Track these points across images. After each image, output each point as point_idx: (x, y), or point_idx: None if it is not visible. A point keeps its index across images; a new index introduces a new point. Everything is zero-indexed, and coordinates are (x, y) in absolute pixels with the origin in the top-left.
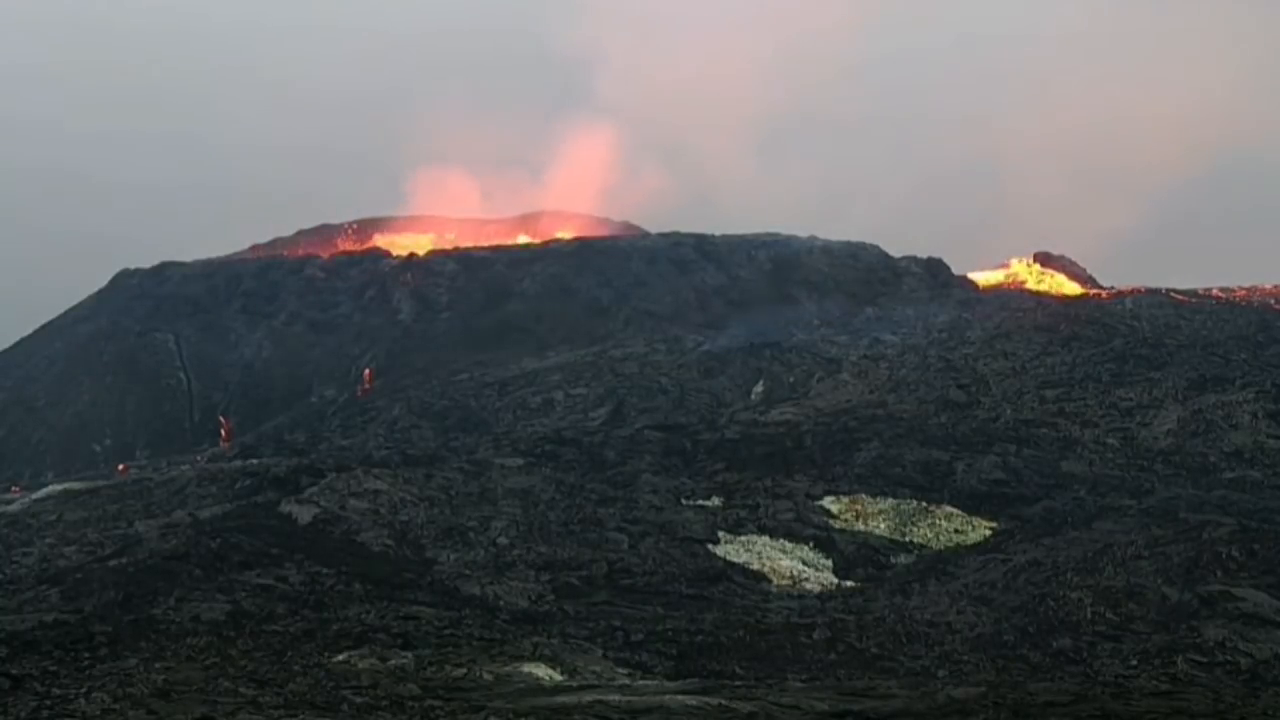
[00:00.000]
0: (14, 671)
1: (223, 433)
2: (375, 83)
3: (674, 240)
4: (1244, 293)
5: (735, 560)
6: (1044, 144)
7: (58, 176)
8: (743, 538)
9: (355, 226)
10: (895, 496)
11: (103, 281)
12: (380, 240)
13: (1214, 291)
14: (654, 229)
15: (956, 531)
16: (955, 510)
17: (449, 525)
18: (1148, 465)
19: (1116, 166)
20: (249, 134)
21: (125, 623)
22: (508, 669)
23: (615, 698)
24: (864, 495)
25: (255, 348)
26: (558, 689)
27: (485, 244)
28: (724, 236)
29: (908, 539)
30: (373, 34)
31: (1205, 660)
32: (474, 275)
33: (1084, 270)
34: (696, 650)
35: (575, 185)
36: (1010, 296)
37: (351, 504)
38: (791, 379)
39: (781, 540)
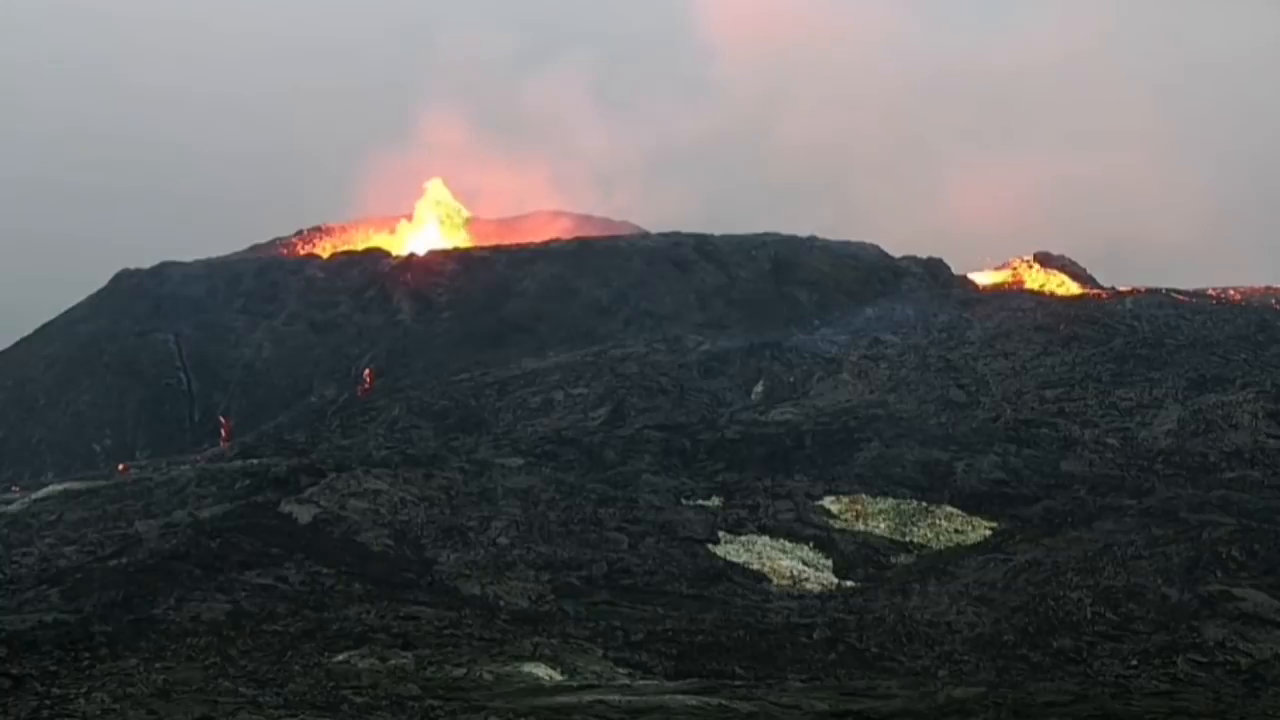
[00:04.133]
0: (14, 671)
1: (223, 433)
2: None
3: (674, 240)
4: (1245, 292)
5: (735, 560)
6: None
7: (56, 181)
8: (743, 538)
9: (356, 225)
10: (895, 496)
11: (103, 282)
12: (378, 240)
13: (1229, 291)
14: (654, 229)
15: (956, 531)
16: (955, 510)
17: (449, 525)
18: (1148, 465)
19: None
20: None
21: (125, 623)
22: (508, 669)
23: (615, 698)
24: (864, 495)
25: (255, 348)
26: (558, 689)
27: (485, 244)
28: (724, 236)
29: (908, 539)
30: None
31: (1205, 660)
32: (474, 275)
33: (1084, 270)
34: (696, 650)
35: None
36: (1010, 296)
37: (351, 504)
38: (791, 379)
39: (781, 540)
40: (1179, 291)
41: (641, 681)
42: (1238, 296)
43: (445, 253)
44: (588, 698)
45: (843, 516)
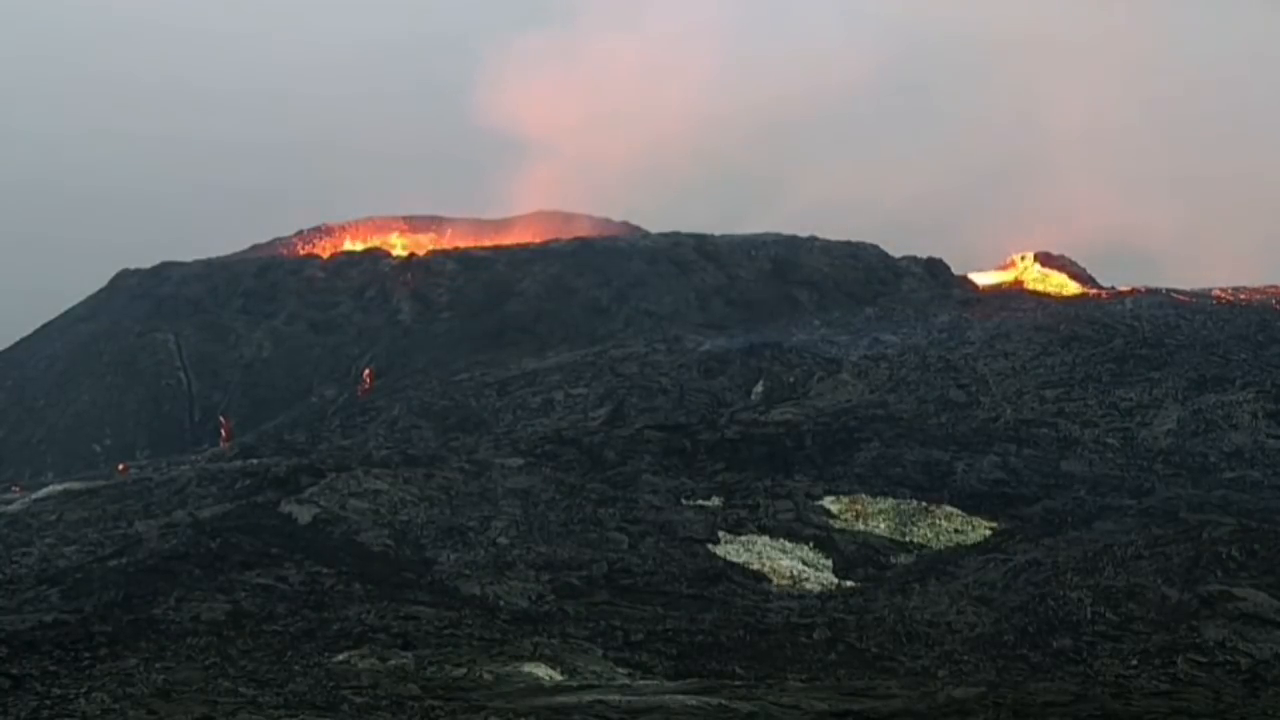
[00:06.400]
0: (14, 671)
1: (223, 433)
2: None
3: (674, 240)
4: (1253, 293)
5: (735, 560)
6: None
7: (55, 182)
8: (743, 538)
9: (356, 226)
10: (895, 496)
11: (103, 282)
12: (379, 240)
13: (1214, 291)
14: (654, 229)
15: (956, 531)
16: (955, 510)
17: (449, 525)
18: (1148, 465)
19: None
20: (248, 134)
21: (125, 623)
22: (508, 669)
23: (615, 698)
24: (864, 495)
25: (255, 348)
26: (558, 689)
27: (485, 244)
28: (724, 236)
29: (908, 539)
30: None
31: (1205, 660)
32: (474, 275)
33: (1084, 270)
34: (696, 650)
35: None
36: (1010, 296)
37: (351, 504)
38: (791, 379)
39: (781, 540)
40: (1179, 291)
41: (641, 681)
42: (1247, 297)
43: (445, 253)
44: (588, 698)
45: (843, 516)
